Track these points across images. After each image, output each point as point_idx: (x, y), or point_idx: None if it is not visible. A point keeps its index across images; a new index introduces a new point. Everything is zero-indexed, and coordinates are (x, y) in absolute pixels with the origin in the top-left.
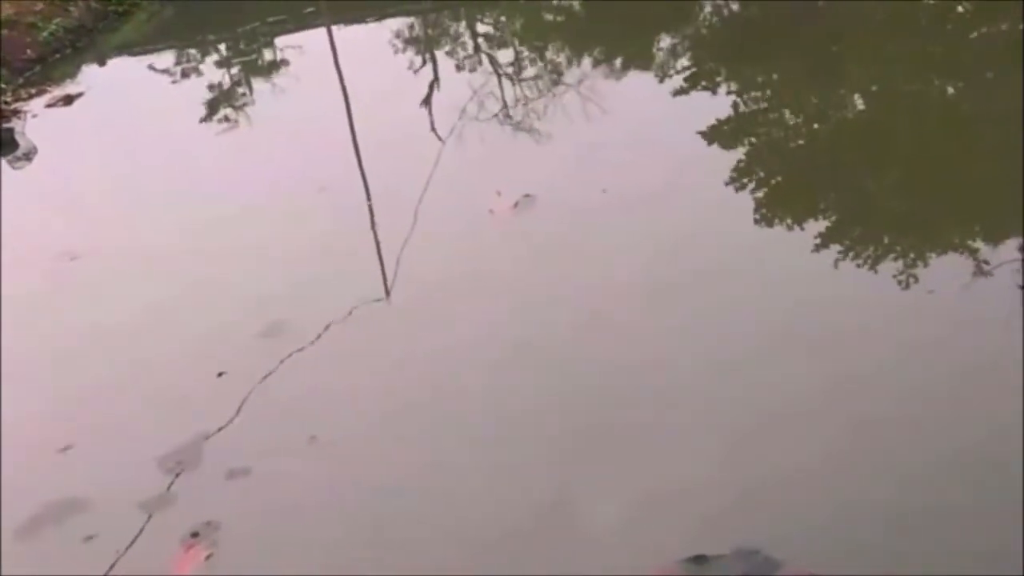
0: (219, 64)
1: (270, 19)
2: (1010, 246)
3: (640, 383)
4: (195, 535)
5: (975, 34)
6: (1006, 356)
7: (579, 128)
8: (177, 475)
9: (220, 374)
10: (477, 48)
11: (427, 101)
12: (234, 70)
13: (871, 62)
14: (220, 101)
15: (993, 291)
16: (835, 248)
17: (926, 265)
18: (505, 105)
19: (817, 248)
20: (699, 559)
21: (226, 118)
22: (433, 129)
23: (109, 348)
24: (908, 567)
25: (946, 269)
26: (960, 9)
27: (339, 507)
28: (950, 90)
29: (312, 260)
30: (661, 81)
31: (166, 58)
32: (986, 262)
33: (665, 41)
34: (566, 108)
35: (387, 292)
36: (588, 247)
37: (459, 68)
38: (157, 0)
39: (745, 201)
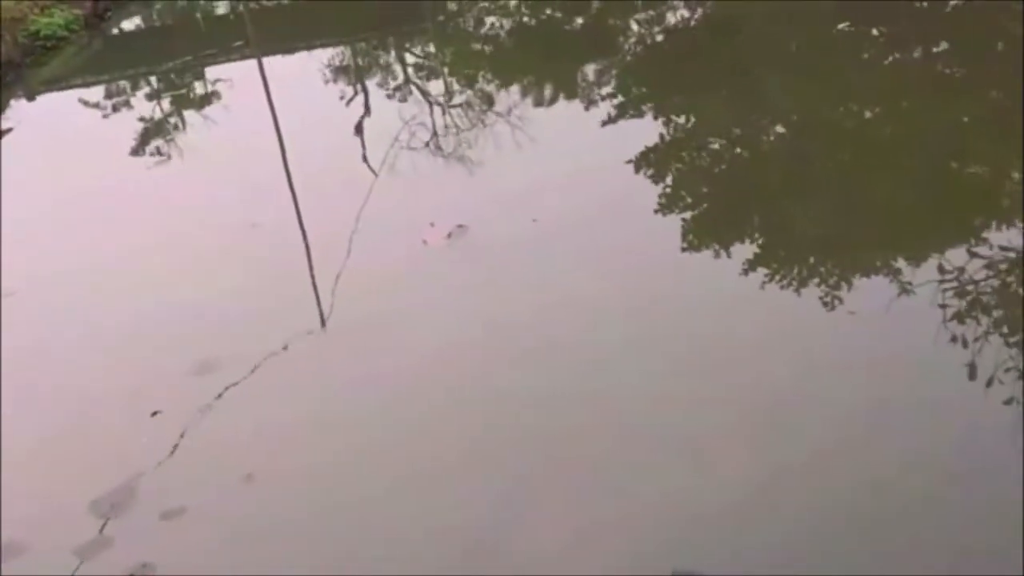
0: (150, 97)
1: (201, 53)
2: (930, 266)
3: (575, 408)
4: None
5: (888, 60)
6: (928, 373)
7: (509, 157)
8: (110, 519)
9: (154, 413)
10: (407, 78)
11: (359, 131)
12: (165, 103)
13: (789, 91)
14: (151, 135)
15: (914, 311)
16: (761, 272)
17: (850, 287)
18: (436, 135)
19: (744, 272)
20: None
21: (158, 151)
22: (365, 160)
23: (36, 387)
24: None
25: (869, 290)
26: (875, 33)
27: (276, 545)
28: (867, 116)
29: (245, 295)
30: (587, 110)
31: (96, 92)
32: (908, 283)
33: (591, 71)
34: (496, 137)
35: (323, 324)
36: (520, 276)
37: (390, 98)
38: (86, 34)
39: (673, 227)
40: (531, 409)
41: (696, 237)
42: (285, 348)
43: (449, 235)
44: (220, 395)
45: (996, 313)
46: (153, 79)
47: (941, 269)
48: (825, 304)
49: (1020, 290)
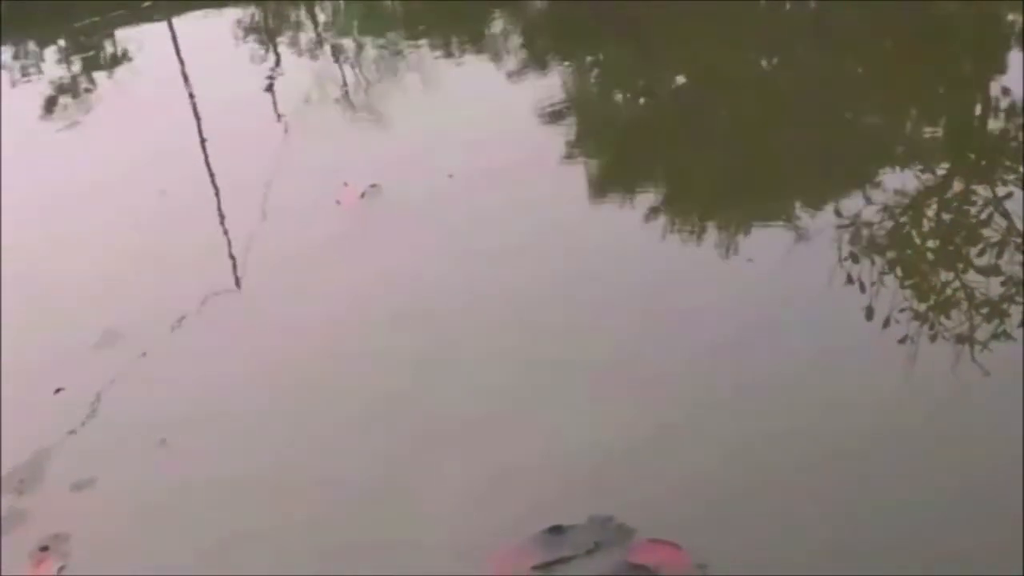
0: (59, 60)
1: (108, 14)
2: (827, 214)
3: (490, 360)
4: (44, 548)
5: (785, 11)
6: (825, 316)
7: (420, 114)
8: (21, 493)
9: (58, 390)
10: (319, 37)
11: (270, 91)
12: (75, 67)
13: (685, 44)
14: (60, 98)
15: (811, 257)
16: (662, 220)
17: (747, 235)
18: (347, 94)
19: (646, 219)
20: (555, 529)
21: (68, 115)
22: (278, 120)
23: None
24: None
25: (767, 238)
26: None
27: (192, 507)
28: (763, 68)
29: (153, 262)
30: (496, 65)
31: (2, 55)
32: (803, 230)
33: (497, 27)
34: (407, 94)
35: (237, 286)
36: (438, 232)
37: (300, 56)
38: None
39: (580, 178)
40: (448, 364)
41: (601, 188)
42: (198, 311)
43: (363, 195)
44: (130, 362)
45: (890, 255)
46: (61, 42)
47: (838, 213)
48: (724, 251)
49: (912, 232)
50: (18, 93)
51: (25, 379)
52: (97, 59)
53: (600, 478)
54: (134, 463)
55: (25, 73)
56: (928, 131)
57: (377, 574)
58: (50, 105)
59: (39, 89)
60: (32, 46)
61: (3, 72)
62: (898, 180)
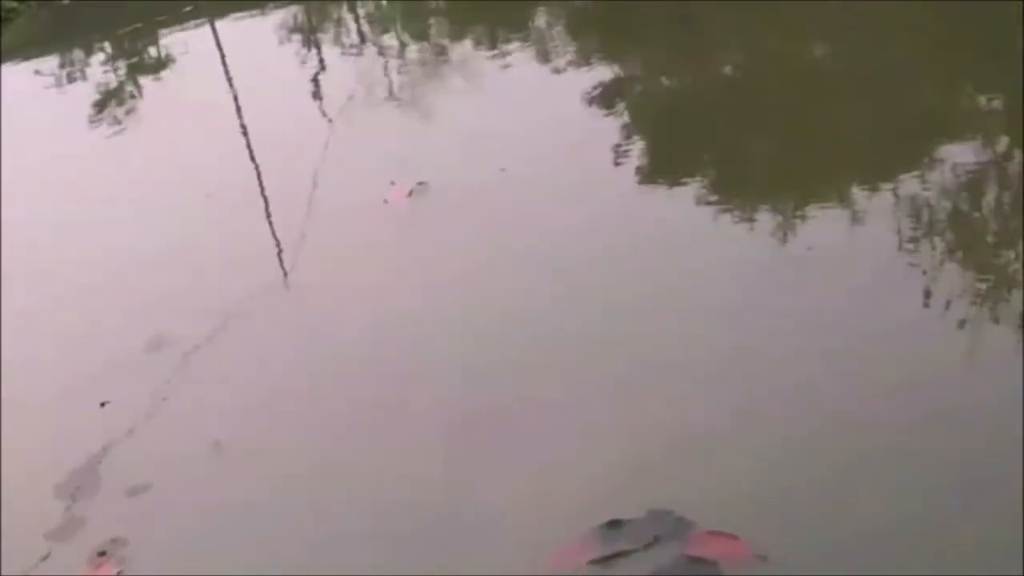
0: (105, 65)
1: (151, 19)
2: (885, 193)
3: (546, 355)
4: (102, 554)
5: None
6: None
7: (468, 108)
8: (76, 500)
9: (102, 404)
10: (361, 34)
11: (315, 91)
12: (120, 71)
13: (738, 28)
14: (107, 103)
15: (869, 242)
16: (718, 206)
17: (804, 220)
18: (391, 91)
19: (704, 207)
20: (613, 524)
21: (115, 120)
22: (323, 119)
23: None
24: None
25: (823, 223)
26: None
27: (250, 509)
28: (816, 51)
29: (200, 263)
30: (542, 57)
31: (50, 62)
32: (861, 214)
33: (543, 19)
34: (452, 89)
35: (286, 286)
36: (490, 228)
37: (344, 54)
38: (35, 4)
39: (632, 164)
40: (500, 361)
41: (654, 173)
42: (248, 310)
43: (411, 193)
44: (181, 365)
45: (949, 237)
46: (107, 46)
47: (896, 195)
48: (781, 238)
49: (974, 213)
50: (65, 99)
51: (78, 385)
52: (142, 63)
53: (660, 470)
54: (189, 466)
55: (72, 79)
56: (986, 108)
57: (437, 572)
58: (96, 110)
59: (86, 94)
60: (78, 53)
61: (50, 79)
62: (957, 155)
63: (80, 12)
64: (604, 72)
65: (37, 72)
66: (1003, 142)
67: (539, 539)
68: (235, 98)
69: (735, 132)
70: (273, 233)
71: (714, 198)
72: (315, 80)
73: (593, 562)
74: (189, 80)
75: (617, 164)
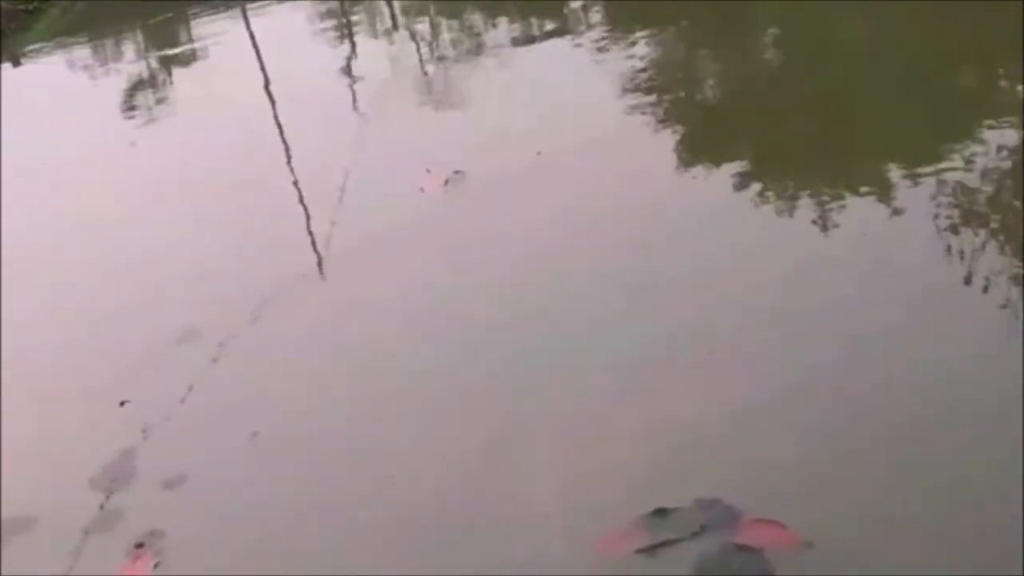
0: (137, 57)
1: (183, 9)
2: (927, 186)
3: (588, 339)
4: (140, 545)
5: None
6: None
7: (502, 94)
8: (113, 492)
9: (122, 403)
10: (394, 21)
11: (347, 79)
12: (153, 63)
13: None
14: (139, 94)
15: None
16: (755, 189)
17: (845, 205)
18: (426, 78)
19: (743, 190)
20: (659, 512)
21: (147, 109)
22: (356, 108)
23: (21, 359)
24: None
25: (864, 208)
26: None
27: (287, 500)
28: (856, 35)
29: (236, 253)
30: (576, 39)
31: (83, 54)
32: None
33: (577, 3)
34: (487, 75)
35: (320, 273)
36: (528, 213)
37: (377, 41)
38: None
39: (669, 148)
40: (542, 349)
41: (693, 156)
42: (284, 299)
43: (447, 182)
44: (215, 357)
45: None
46: (140, 38)
47: (939, 181)
48: (822, 223)
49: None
50: (97, 90)
51: (112, 377)
52: (174, 54)
53: (706, 459)
54: (226, 458)
55: (104, 70)
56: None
57: (483, 560)
58: (128, 100)
59: (117, 85)
60: (110, 44)
61: (83, 70)
62: (1001, 138)
63: (113, 4)
64: (641, 54)
65: (69, 64)
66: None
67: (588, 527)
68: (267, 87)
69: (775, 116)
70: (307, 222)
71: (755, 183)
72: (348, 67)
73: (640, 551)
74: (221, 68)
75: (653, 145)
